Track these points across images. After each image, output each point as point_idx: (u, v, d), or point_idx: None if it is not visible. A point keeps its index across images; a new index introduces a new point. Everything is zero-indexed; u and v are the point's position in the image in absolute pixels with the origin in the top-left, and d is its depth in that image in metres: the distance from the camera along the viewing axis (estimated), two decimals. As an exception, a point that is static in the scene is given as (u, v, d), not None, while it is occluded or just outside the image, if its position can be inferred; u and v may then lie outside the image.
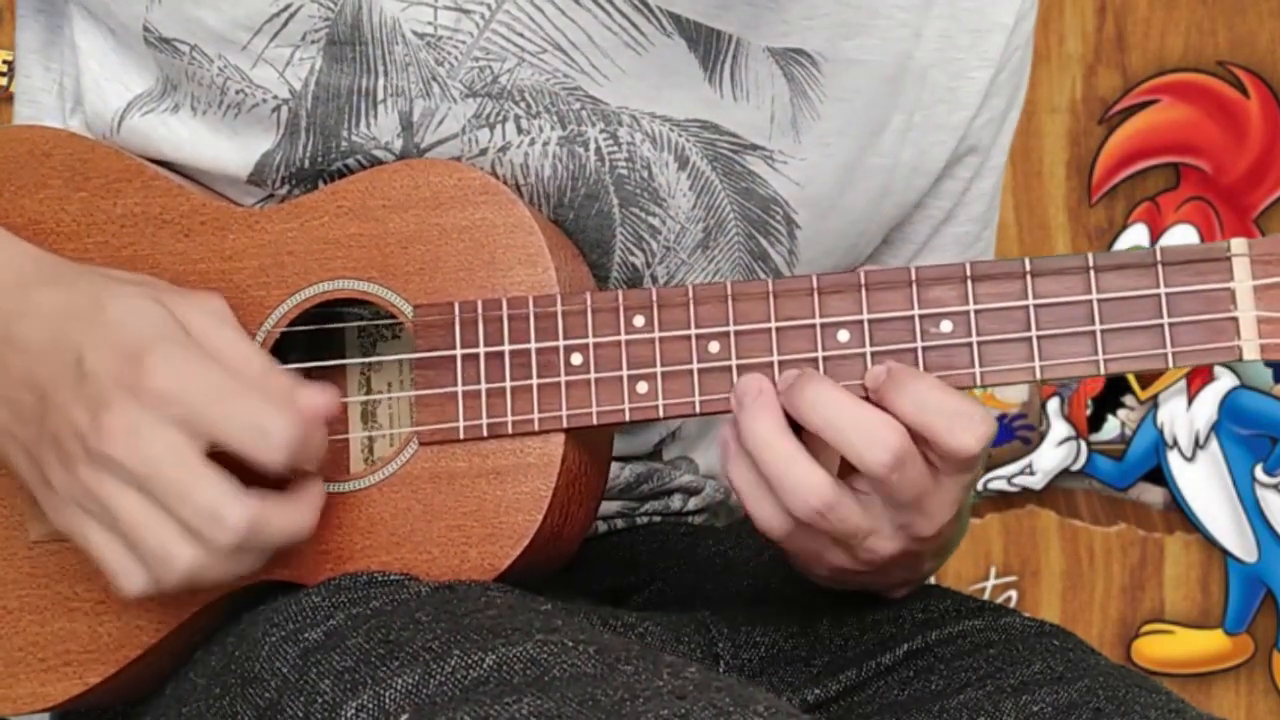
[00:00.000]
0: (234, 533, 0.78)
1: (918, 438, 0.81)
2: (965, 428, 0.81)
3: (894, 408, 0.81)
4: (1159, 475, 2.32)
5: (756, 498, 0.83)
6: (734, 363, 0.85)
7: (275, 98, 0.90)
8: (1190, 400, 2.31)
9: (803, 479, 0.81)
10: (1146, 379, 2.32)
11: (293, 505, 0.81)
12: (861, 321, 0.84)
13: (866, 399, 0.82)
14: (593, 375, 0.85)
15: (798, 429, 0.83)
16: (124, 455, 0.78)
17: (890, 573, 0.88)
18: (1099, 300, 0.83)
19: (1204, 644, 2.32)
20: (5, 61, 2.09)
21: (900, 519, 0.83)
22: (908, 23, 0.97)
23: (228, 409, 0.78)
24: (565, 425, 0.85)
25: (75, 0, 0.95)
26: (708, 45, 0.93)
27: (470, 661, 0.75)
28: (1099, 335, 0.83)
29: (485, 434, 0.86)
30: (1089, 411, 2.32)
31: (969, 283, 0.83)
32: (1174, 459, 2.31)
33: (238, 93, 0.91)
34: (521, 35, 0.90)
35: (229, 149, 0.92)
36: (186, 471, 0.78)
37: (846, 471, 0.83)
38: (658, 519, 1.07)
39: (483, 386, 0.86)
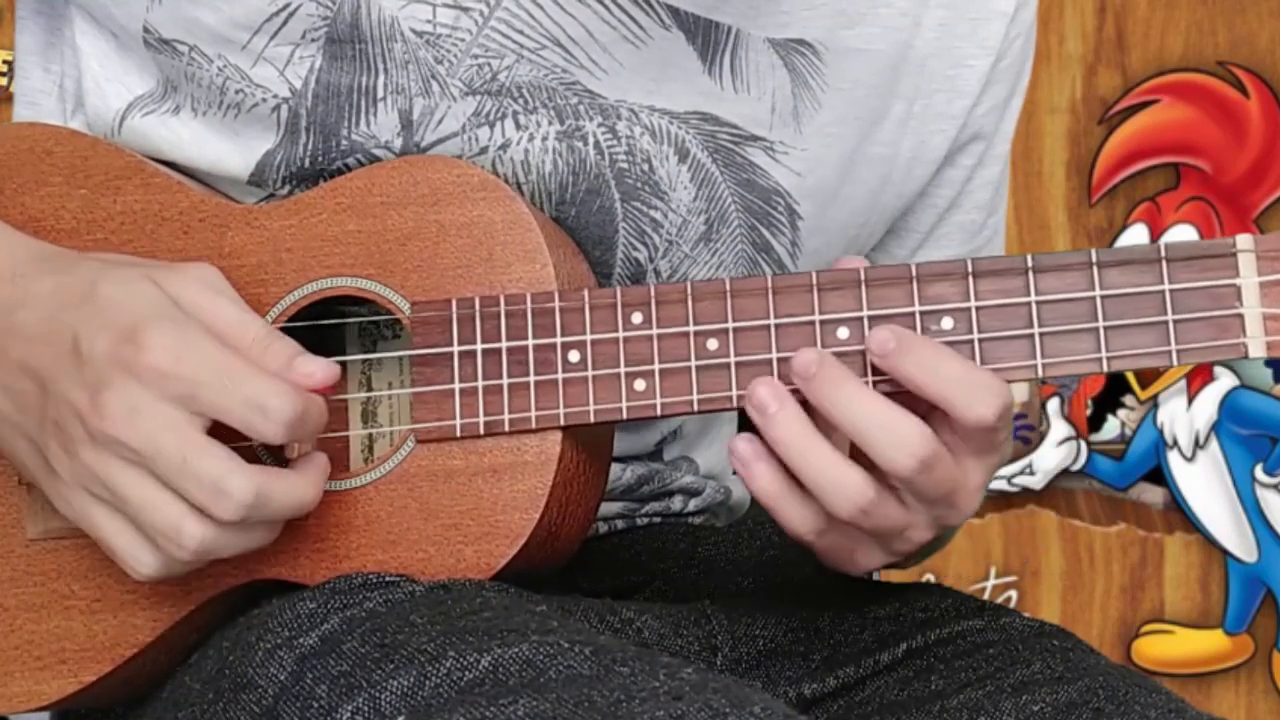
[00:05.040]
0: (239, 505, 0.78)
1: (934, 411, 0.81)
2: (982, 399, 0.80)
3: (905, 375, 0.81)
4: (1159, 475, 2.32)
5: (785, 501, 0.83)
6: (732, 360, 0.84)
7: (275, 97, 0.90)
8: (1190, 400, 2.31)
9: (844, 480, 0.81)
10: (1147, 379, 2.32)
11: (296, 476, 0.82)
12: (861, 318, 0.83)
13: (888, 391, 0.82)
14: (590, 373, 0.85)
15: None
16: (125, 434, 0.78)
17: (911, 554, 0.88)
18: (1102, 296, 0.82)
19: (1204, 644, 2.32)
20: (5, 61, 2.09)
21: (934, 512, 0.83)
22: (907, 11, 0.97)
23: (226, 385, 0.79)
24: (562, 423, 0.85)
25: (75, 2, 0.95)
26: (706, 37, 0.93)
27: (466, 663, 0.75)
28: (1102, 332, 0.82)
29: (482, 432, 0.85)
30: (1089, 411, 2.32)
31: (970, 279, 0.83)
32: (1174, 459, 2.31)
33: (237, 92, 0.90)
34: (520, 31, 0.90)
35: (230, 149, 0.92)
36: (188, 447, 0.78)
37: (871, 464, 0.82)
38: (658, 520, 1.06)
39: (480, 384, 0.86)
